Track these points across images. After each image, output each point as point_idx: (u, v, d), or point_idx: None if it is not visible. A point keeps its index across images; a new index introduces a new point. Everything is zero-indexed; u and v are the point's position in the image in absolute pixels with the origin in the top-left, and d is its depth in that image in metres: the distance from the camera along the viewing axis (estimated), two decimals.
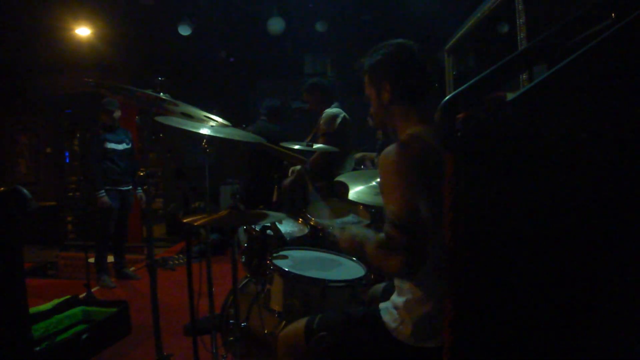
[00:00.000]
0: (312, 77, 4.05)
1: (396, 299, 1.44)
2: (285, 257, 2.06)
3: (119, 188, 4.44)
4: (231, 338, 1.95)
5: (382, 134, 5.35)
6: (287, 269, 1.85)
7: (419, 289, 1.38)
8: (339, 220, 2.48)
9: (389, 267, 1.27)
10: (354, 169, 3.61)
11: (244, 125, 3.47)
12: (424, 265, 1.24)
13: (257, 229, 2.09)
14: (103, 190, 4.27)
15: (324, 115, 3.45)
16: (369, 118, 5.50)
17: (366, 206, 2.37)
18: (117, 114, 4.45)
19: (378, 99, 1.51)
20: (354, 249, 1.50)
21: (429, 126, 1.42)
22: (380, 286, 1.83)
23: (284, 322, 1.80)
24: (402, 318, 1.39)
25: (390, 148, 1.34)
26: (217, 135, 2.04)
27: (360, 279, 1.83)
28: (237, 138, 2.22)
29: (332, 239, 1.62)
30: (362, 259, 1.96)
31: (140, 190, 4.64)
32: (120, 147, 4.47)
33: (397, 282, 1.47)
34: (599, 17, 0.92)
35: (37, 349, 2.51)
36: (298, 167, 3.45)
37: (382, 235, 1.30)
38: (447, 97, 0.84)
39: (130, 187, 4.58)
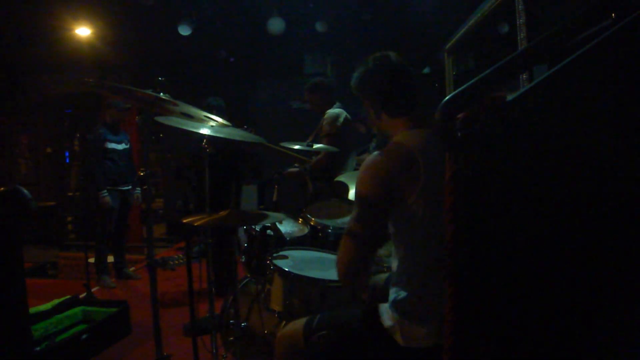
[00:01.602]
0: (312, 77, 4.02)
1: (390, 296, 1.44)
2: (285, 257, 2.06)
3: (119, 188, 4.44)
4: (231, 338, 1.95)
5: (375, 136, 5.35)
6: (287, 269, 1.85)
7: (405, 288, 1.38)
8: (339, 220, 2.49)
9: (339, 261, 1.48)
10: (356, 169, 3.60)
11: (245, 127, 3.46)
12: (365, 272, 1.49)
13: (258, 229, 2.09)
14: (105, 190, 4.27)
15: (326, 115, 3.44)
16: (359, 123, 5.50)
17: None
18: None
19: (369, 112, 1.58)
20: None
21: (421, 129, 1.46)
22: (382, 276, 1.82)
23: (284, 322, 1.80)
24: (394, 316, 1.39)
25: (368, 158, 1.43)
26: (217, 135, 2.04)
27: None
28: (237, 138, 2.22)
29: None
30: None
31: (139, 191, 4.63)
32: (120, 147, 4.47)
33: (392, 279, 1.47)
34: (599, 17, 0.92)
35: (37, 349, 2.51)
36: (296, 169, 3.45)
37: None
38: (447, 97, 0.84)
39: (130, 187, 4.58)
